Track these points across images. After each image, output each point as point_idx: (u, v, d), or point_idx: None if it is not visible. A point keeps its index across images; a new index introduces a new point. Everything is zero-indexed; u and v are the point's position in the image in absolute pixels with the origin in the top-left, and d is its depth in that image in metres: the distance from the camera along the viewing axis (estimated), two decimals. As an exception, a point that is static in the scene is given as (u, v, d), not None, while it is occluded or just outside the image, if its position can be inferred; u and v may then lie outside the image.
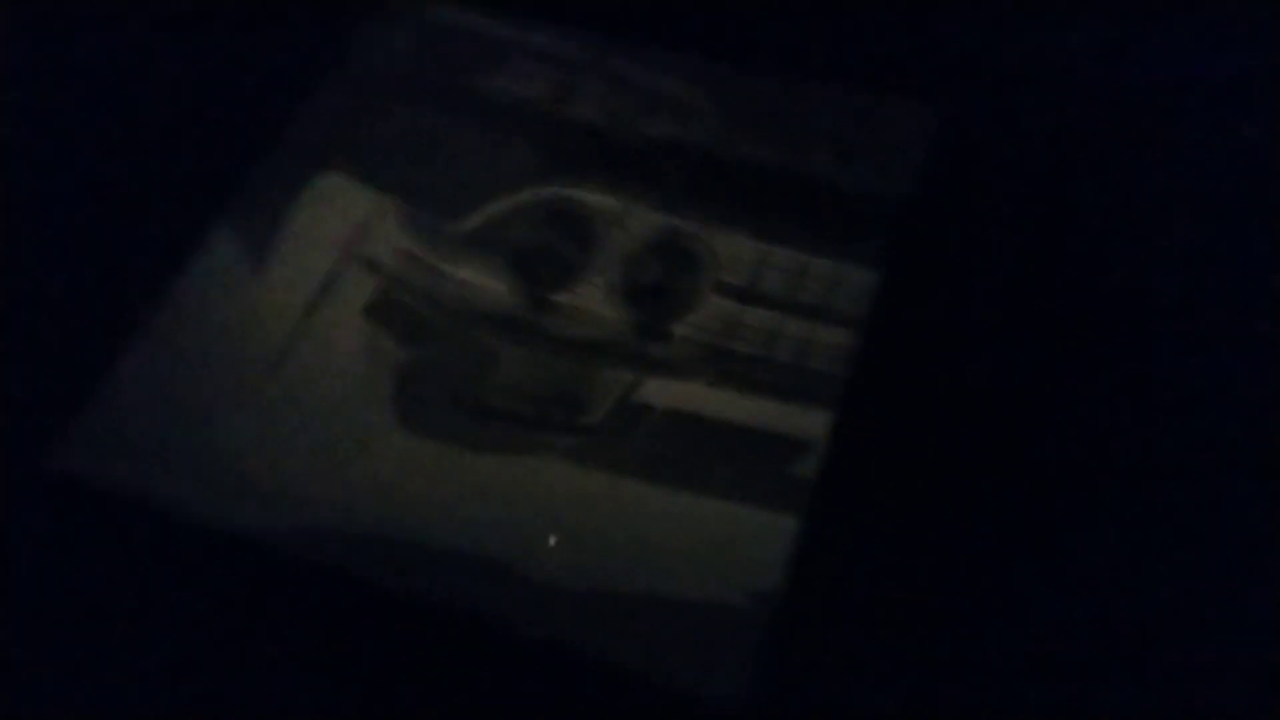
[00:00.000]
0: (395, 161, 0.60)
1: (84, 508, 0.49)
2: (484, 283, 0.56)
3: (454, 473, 0.50)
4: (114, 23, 0.66)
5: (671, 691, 0.43)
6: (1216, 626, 0.44)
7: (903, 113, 0.60)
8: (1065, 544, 0.46)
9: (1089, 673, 0.43)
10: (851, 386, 0.50)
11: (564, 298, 0.55)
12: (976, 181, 0.58)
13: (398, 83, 0.64)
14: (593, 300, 0.55)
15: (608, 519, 0.48)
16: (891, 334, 0.52)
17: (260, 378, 0.53)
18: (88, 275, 0.56)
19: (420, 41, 0.65)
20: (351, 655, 0.47)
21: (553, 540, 0.47)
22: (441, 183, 0.59)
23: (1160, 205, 0.57)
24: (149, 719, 0.45)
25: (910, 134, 0.59)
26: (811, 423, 0.50)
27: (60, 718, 0.45)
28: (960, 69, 0.62)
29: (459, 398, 0.52)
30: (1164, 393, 0.50)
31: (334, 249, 0.57)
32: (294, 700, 0.45)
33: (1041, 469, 0.49)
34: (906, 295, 0.53)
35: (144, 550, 0.49)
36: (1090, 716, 0.42)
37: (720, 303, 0.54)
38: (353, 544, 0.48)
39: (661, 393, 0.51)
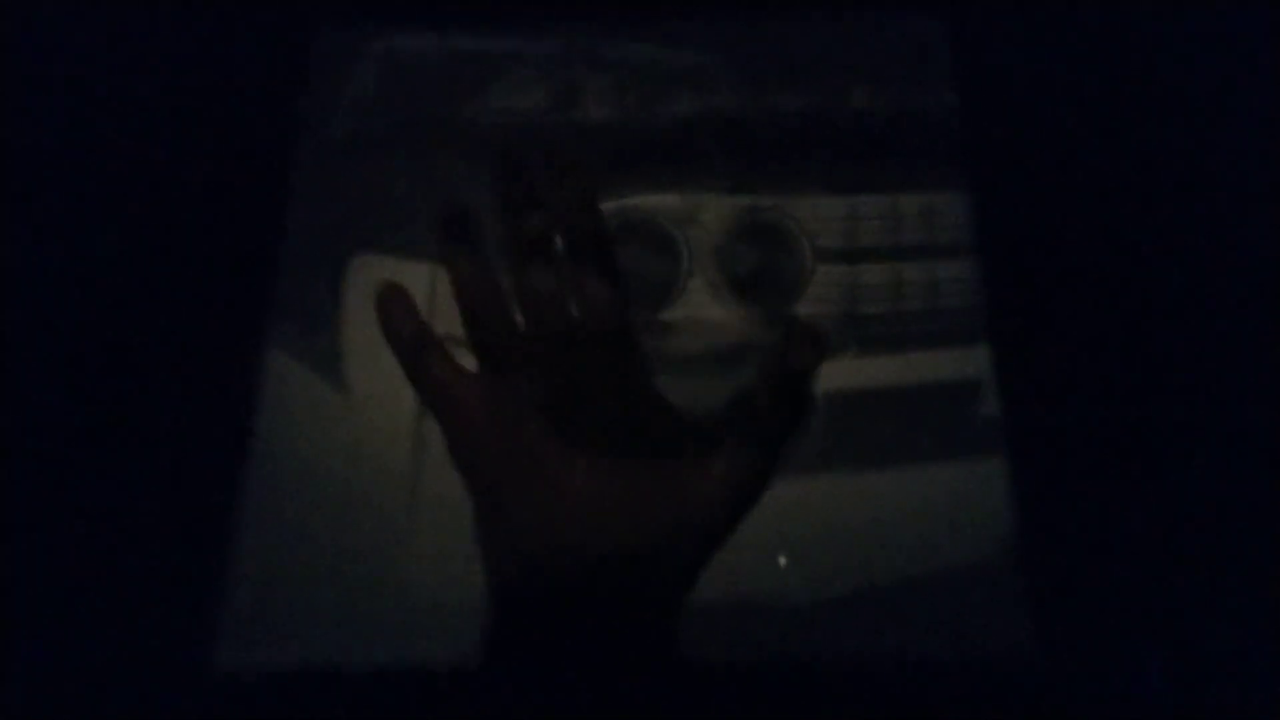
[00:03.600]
0: (423, 223, 0.55)
1: (278, 695, 0.45)
2: (584, 324, 0.52)
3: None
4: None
5: (959, 668, 0.44)
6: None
7: (913, 29, 0.59)
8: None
9: None
10: (993, 312, 0.50)
11: (671, 314, 0.52)
12: (1006, 82, 0.58)
13: (380, 134, 0.57)
14: (701, 307, 0.53)
15: (823, 521, 0.47)
16: (1006, 250, 0.52)
17: (400, 505, 0.48)
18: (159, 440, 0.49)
19: (386, 80, 0.59)
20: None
21: (783, 560, 0.46)
22: (487, 233, 0.54)
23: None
24: None
25: (928, 48, 0.58)
26: (971, 360, 0.50)
27: None
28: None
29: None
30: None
31: (413, 339, 0.51)
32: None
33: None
34: (1001, 208, 0.53)
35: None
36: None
37: (829, 270, 0.53)
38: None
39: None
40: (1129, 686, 0.43)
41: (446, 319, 0.52)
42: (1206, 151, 0.56)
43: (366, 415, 0.50)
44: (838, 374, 0.50)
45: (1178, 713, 0.43)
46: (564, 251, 0.37)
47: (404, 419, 0.49)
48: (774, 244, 0.53)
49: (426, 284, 0.53)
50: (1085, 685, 0.43)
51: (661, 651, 0.31)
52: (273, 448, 0.49)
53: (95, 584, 0.47)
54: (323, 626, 0.45)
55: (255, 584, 0.46)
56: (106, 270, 0.54)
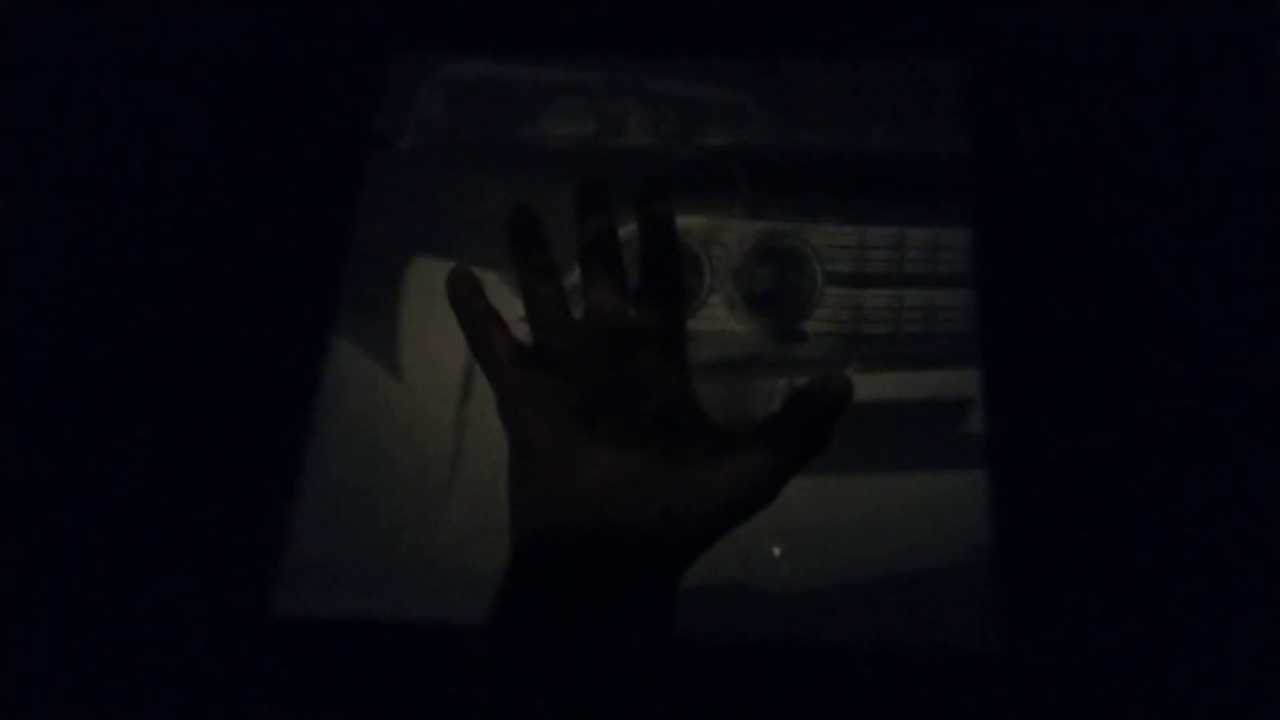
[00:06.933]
0: (476, 232, 0.61)
1: (325, 639, 0.51)
2: (613, 329, 0.58)
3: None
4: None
5: (934, 657, 0.48)
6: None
7: (933, 71, 0.64)
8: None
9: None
10: (986, 338, 0.55)
11: (692, 325, 0.58)
12: (1015, 127, 0.63)
13: (443, 151, 0.64)
14: (718, 319, 0.58)
15: (816, 518, 0.52)
16: (1001, 283, 0.56)
17: (440, 479, 0.54)
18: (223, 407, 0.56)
19: (451, 103, 0.66)
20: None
21: (777, 551, 0.51)
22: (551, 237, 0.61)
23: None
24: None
25: (945, 90, 0.63)
26: (962, 382, 0.54)
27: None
28: (968, 25, 0.66)
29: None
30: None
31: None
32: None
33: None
34: (1001, 245, 0.57)
35: (397, 665, 0.51)
36: None
37: (838, 292, 0.58)
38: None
39: (817, 389, 0.55)
40: (1088, 681, 0.48)
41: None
42: (1204, 203, 0.60)
43: (416, 398, 0.56)
44: (839, 386, 0.55)
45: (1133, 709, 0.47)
46: (635, 261, 0.42)
47: (449, 403, 0.56)
48: (789, 266, 0.59)
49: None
50: (1048, 677, 0.48)
51: (657, 623, 0.36)
52: (333, 422, 0.56)
53: (174, 537, 0.54)
54: (366, 582, 0.52)
55: (311, 540, 0.53)
56: (197, 265, 0.61)
